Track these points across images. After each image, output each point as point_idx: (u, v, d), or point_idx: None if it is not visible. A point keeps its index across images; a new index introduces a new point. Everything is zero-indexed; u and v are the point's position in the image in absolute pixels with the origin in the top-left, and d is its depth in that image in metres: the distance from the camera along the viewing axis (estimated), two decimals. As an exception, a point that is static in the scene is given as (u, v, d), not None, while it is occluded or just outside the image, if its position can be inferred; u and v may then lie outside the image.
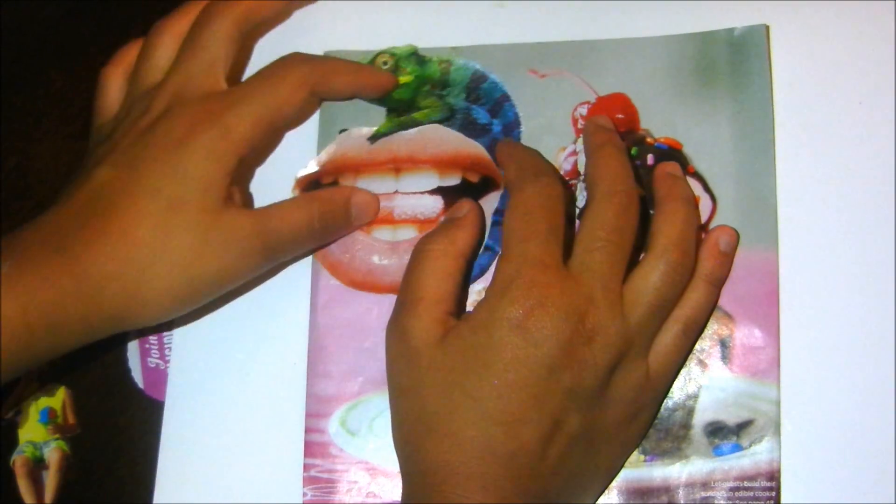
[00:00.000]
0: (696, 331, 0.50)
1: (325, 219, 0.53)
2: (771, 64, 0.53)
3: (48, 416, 0.57)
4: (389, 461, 0.52)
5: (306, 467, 0.53)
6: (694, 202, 0.51)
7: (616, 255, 0.48)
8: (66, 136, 0.61)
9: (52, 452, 0.57)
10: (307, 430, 0.53)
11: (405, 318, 0.48)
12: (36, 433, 0.57)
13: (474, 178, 0.55)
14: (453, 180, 0.55)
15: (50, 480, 0.56)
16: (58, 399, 0.57)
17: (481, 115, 0.56)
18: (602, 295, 0.47)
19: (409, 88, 0.56)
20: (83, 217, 0.49)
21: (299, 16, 0.59)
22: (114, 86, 0.56)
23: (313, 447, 0.53)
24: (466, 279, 0.51)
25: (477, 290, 0.53)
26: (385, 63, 0.57)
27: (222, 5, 0.54)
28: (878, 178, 0.52)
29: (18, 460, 0.57)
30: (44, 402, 0.58)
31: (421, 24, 0.57)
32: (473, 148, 0.56)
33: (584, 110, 0.55)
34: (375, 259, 0.55)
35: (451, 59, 0.57)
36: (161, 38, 0.55)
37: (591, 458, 0.48)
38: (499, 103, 0.56)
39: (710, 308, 0.51)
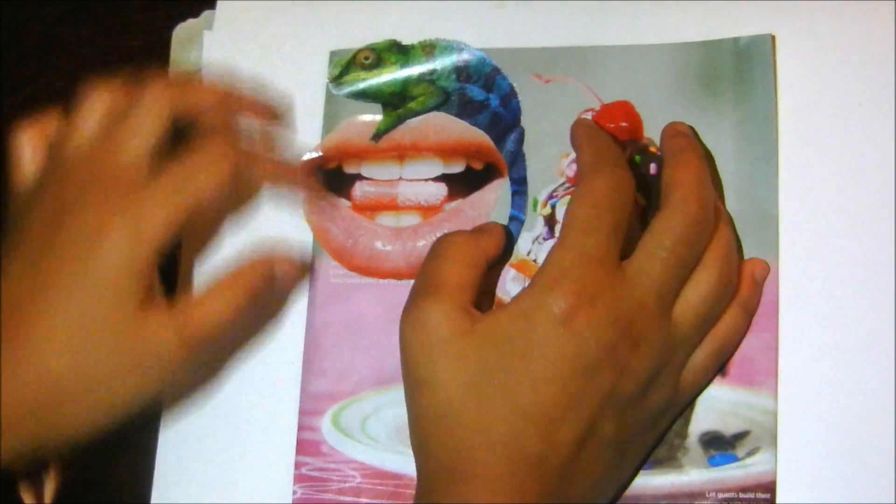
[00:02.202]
0: (727, 354, 0.50)
1: (253, 299, 0.51)
2: (776, 74, 0.53)
3: None
4: (381, 461, 0.52)
5: (297, 465, 0.52)
6: (706, 156, 0.51)
7: (676, 267, 0.46)
8: None
9: None
10: (300, 428, 0.53)
11: (427, 305, 0.46)
12: None
13: (478, 166, 0.55)
14: (457, 167, 0.55)
15: (49, 480, 0.56)
16: None
17: (476, 92, 0.56)
18: (655, 303, 0.46)
19: (397, 80, 0.56)
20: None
21: (301, 15, 0.59)
22: (28, 150, 0.52)
23: (305, 445, 0.53)
24: (486, 281, 0.50)
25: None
26: (367, 58, 0.57)
27: (162, 85, 0.51)
28: (881, 190, 0.51)
29: None
30: None
31: (422, 24, 0.57)
32: (477, 135, 0.56)
33: (587, 117, 0.55)
34: (378, 245, 0.55)
35: (435, 42, 0.57)
36: (91, 104, 0.51)
37: (616, 466, 0.47)
38: (490, 77, 0.56)
39: (742, 335, 0.50)
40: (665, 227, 0.47)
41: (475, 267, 0.48)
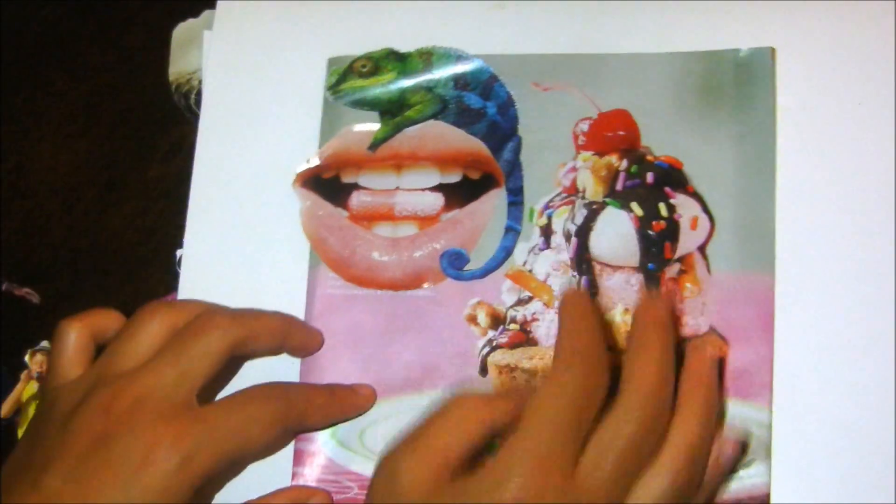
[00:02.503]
0: None
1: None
2: (775, 86, 0.53)
3: None
4: (378, 472, 0.52)
5: (294, 475, 0.53)
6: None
7: (629, 465, 0.45)
8: (66, 136, 0.61)
9: None
10: (297, 439, 0.53)
11: (404, 461, 0.45)
12: None
13: (475, 176, 0.55)
14: (454, 177, 0.55)
15: None
16: None
17: (473, 100, 0.56)
18: None
19: (395, 88, 0.56)
20: None
21: (299, 18, 0.59)
22: (76, 342, 0.53)
23: (303, 456, 0.53)
24: (486, 446, 0.47)
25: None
26: (364, 66, 0.57)
27: (226, 321, 0.51)
28: (878, 203, 0.51)
29: None
30: None
31: (422, 29, 0.57)
32: (475, 145, 0.55)
33: (585, 126, 0.55)
34: (375, 255, 0.55)
35: (432, 49, 0.56)
36: (151, 324, 0.52)
37: None
38: (488, 85, 0.56)
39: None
40: (617, 429, 0.45)
41: (473, 436, 0.46)
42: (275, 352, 0.54)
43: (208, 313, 0.52)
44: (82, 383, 0.51)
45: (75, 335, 0.53)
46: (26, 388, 0.57)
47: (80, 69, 0.62)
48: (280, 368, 0.54)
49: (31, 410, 0.57)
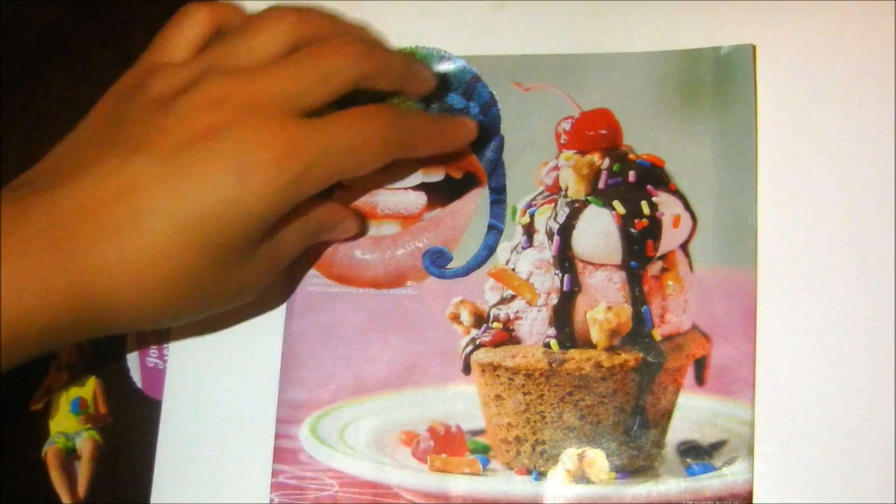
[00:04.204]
0: None
1: (317, 237, 0.53)
2: (756, 84, 0.53)
3: (79, 406, 0.57)
4: (359, 469, 0.52)
5: (275, 473, 0.52)
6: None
7: None
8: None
9: (85, 442, 0.56)
10: (278, 436, 0.53)
11: None
12: (67, 424, 0.57)
13: (458, 175, 0.55)
14: (437, 177, 0.55)
15: (83, 470, 0.56)
16: (88, 389, 0.57)
17: (456, 100, 0.56)
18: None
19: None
20: (104, 215, 0.45)
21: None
22: (195, 25, 0.50)
23: (283, 453, 0.53)
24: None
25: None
26: None
27: (362, 53, 0.49)
28: (859, 200, 0.52)
29: (50, 451, 0.56)
30: (74, 391, 0.57)
31: (420, 27, 0.57)
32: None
33: (567, 125, 0.55)
34: (358, 253, 0.55)
35: (415, 49, 0.56)
36: (277, 26, 0.49)
37: None
38: (471, 85, 0.56)
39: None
40: None
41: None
42: (393, 90, 0.52)
43: (343, 39, 0.49)
44: (191, 68, 0.48)
45: (198, 19, 0.50)
46: (56, 380, 0.57)
47: (80, 69, 0.62)
48: (258, 371, 0.54)
49: (62, 401, 0.57)
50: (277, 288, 0.54)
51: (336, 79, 0.48)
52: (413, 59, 0.54)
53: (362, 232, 0.55)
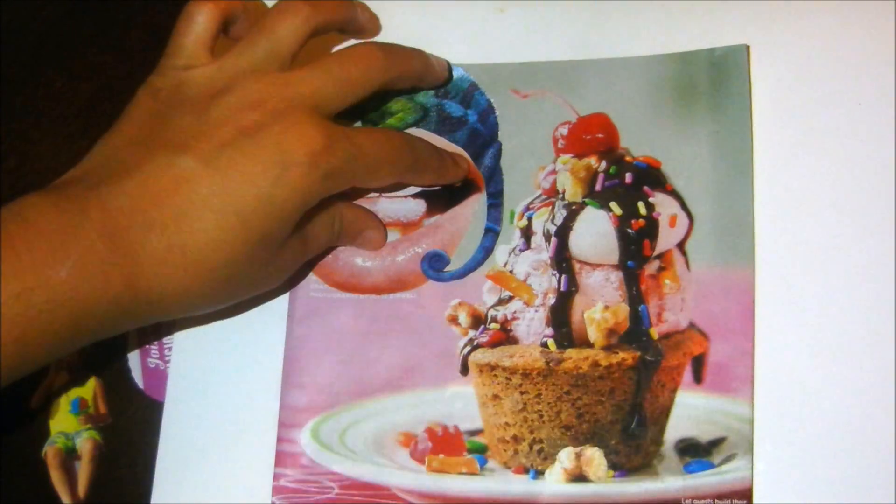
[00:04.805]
0: None
1: (341, 237, 0.55)
2: (751, 84, 0.54)
3: (79, 407, 0.57)
4: (359, 472, 0.52)
5: (276, 476, 0.53)
6: None
7: None
8: (66, 136, 0.61)
9: (85, 442, 0.57)
10: (279, 440, 0.53)
11: None
12: (67, 424, 0.57)
13: (457, 182, 0.56)
14: None
15: (83, 471, 0.56)
16: (88, 389, 0.57)
17: (454, 108, 0.56)
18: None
19: (376, 96, 0.56)
20: (154, 211, 0.47)
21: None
22: (205, 24, 0.52)
23: (284, 457, 0.53)
24: None
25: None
26: None
27: (387, 59, 0.53)
28: (854, 198, 0.51)
29: (50, 451, 0.57)
30: (74, 392, 0.58)
31: (419, 35, 0.57)
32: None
33: (564, 130, 0.55)
34: (359, 261, 0.55)
35: None
36: (294, 19, 0.52)
37: None
38: (469, 93, 0.56)
39: None
40: None
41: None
42: (411, 87, 0.56)
43: (368, 47, 0.53)
44: (221, 72, 0.51)
45: (205, 16, 0.52)
46: (56, 380, 0.58)
47: (80, 69, 0.62)
48: (260, 375, 0.55)
49: (62, 401, 0.57)
50: (280, 291, 0.55)
51: (361, 85, 0.52)
52: (426, 56, 0.56)
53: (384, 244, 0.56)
